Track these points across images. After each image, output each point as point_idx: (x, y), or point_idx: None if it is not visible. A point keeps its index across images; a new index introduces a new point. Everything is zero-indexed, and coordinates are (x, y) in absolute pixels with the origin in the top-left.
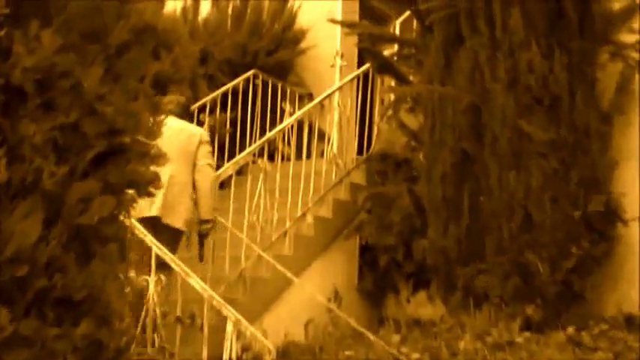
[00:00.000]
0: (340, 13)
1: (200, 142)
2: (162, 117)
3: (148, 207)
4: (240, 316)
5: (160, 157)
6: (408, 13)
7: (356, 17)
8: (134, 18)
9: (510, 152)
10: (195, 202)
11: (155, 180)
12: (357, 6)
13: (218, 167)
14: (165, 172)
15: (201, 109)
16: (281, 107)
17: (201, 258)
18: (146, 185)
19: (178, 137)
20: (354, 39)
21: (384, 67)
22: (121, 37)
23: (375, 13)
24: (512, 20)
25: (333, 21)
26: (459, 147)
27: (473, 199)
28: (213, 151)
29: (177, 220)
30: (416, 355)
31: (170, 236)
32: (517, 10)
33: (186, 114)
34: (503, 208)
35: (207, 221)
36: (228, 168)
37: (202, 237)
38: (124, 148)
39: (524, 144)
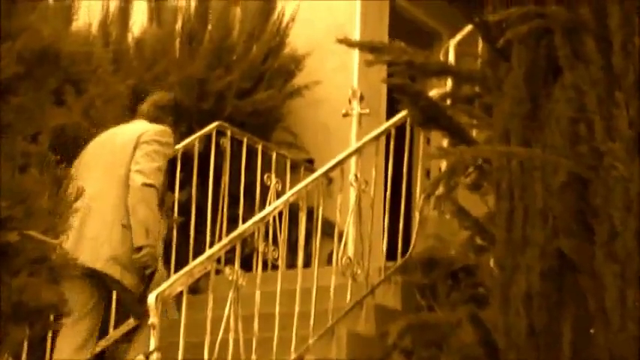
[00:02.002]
0: (358, 29)
1: (137, 144)
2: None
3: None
4: None
5: (69, 267)
6: (468, 28)
7: (384, 36)
8: (25, 39)
9: (639, 255)
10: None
11: (61, 304)
12: (385, 19)
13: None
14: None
15: None
16: (262, 182)
17: (141, 298)
18: (46, 313)
19: (109, 144)
20: (382, 71)
21: (431, 116)
22: (5, 71)
23: (414, 29)
24: None
25: (347, 42)
26: (554, 247)
27: (578, 333)
28: None
29: (94, 258)
30: None
31: (103, 292)
32: None
33: (170, 115)
34: (628, 346)
35: (139, 249)
36: (177, 281)
37: (143, 275)
38: (7, 250)
39: None
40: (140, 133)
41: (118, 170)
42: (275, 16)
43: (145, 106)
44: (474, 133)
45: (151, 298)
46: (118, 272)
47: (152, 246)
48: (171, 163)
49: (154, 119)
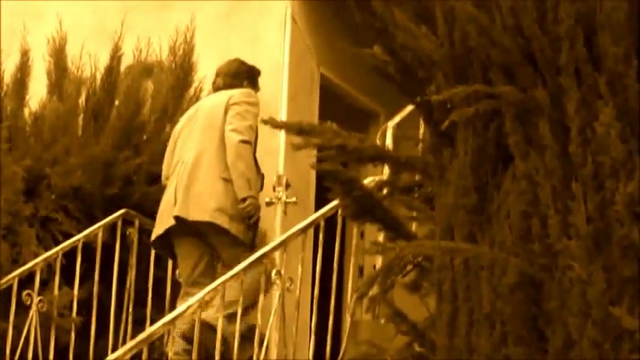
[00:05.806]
0: (285, 109)
1: (227, 106)
2: None
3: (170, 212)
4: None
5: None
6: (408, 109)
7: (314, 116)
8: None
9: None
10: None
11: None
12: (315, 97)
13: None
14: (187, 160)
15: (25, 280)
16: (174, 278)
17: (251, 246)
18: None
19: (200, 112)
20: (310, 156)
21: (365, 207)
22: None
23: (348, 109)
24: (601, 123)
25: (272, 122)
26: (503, 356)
27: None
28: None
29: (201, 211)
30: None
31: (218, 241)
32: (609, 105)
33: (244, 79)
34: None
35: (243, 200)
36: None
37: (248, 223)
38: None
39: (622, 348)
40: (228, 97)
41: (212, 132)
42: (192, 91)
43: (219, 80)
44: (414, 226)
45: None
46: (226, 222)
47: (254, 197)
48: (71, 255)
49: (230, 87)
